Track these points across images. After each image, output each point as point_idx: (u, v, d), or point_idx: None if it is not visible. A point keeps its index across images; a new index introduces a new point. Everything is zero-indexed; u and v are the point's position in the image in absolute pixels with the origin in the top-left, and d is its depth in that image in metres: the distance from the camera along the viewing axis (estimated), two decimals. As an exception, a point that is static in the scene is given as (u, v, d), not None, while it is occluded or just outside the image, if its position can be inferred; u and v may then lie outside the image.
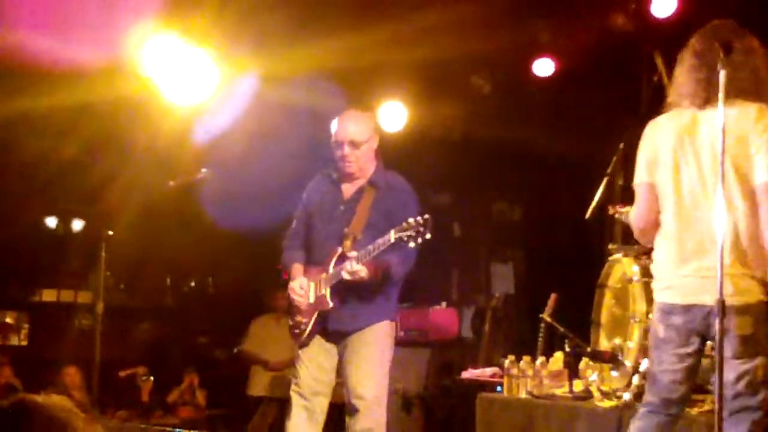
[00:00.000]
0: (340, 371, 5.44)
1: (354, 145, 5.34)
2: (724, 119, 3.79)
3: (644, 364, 5.37)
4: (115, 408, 10.59)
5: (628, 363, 5.53)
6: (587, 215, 6.22)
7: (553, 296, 7.04)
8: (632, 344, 5.53)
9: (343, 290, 5.30)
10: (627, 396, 5.42)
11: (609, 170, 6.25)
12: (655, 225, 4.22)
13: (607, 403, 5.53)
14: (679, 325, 4.04)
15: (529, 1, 7.99)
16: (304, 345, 5.45)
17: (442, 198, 11.09)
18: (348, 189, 5.47)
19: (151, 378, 11.47)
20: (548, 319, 6.87)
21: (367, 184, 5.42)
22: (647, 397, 4.25)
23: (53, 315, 13.53)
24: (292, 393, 5.44)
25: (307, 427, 5.39)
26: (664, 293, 4.14)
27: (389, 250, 5.10)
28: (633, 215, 4.37)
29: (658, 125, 4.22)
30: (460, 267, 10.85)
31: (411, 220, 4.91)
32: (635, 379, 5.40)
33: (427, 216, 4.94)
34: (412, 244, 4.91)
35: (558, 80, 8.70)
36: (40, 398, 1.89)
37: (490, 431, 6.39)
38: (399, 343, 9.66)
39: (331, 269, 5.31)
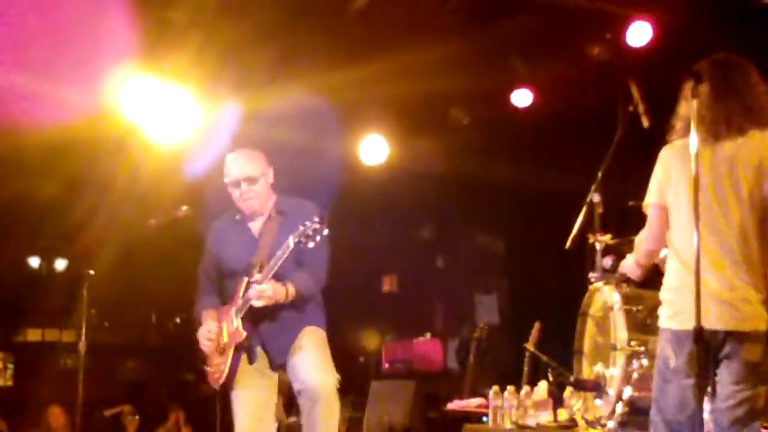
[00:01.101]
0: (289, 376, 5.25)
1: (251, 181, 5.28)
2: (741, 148, 3.90)
3: (627, 392, 5.39)
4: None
5: (612, 391, 5.54)
6: (567, 244, 6.25)
7: (536, 326, 7.06)
8: (615, 372, 5.54)
9: (260, 321, 5.20)
10: (611, 424, 5.43)
11: (588, 199, 6.29)
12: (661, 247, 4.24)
13: (591, 432, 5.54)
14: (691, 351, 3.86)
15: (506, 34, 8.05)
16: (229, 387, 5.28)
17: (424, 231, 11.15)
18: (255, 226, 5.40)
19: (137, 417, 11.43)
20: (532, 349, 6.89)
21: (274, 212, 5.35)
22: (656, 428, 4.17)
23: (38, 354, 13.49)
24: None
25: None
26: (674, 320, 4.05)
27: (296, 267, 5.11)
28: (645, 237, 4.31)
29: (670, 152, 4.19)
30: (443, 298, 10.87)
31: (307, 222, 4.86)
32: (619, 407, 5.41)
33: (324, 213, 4.92)
34: (311, 244, 4.85)
35: (536, 110, 8.76)
36: None
37: (477, 462, 6.40)
38: (384, 375, 9.75)
39: (239, 300, 5.20)
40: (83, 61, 7.02)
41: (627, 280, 5.76)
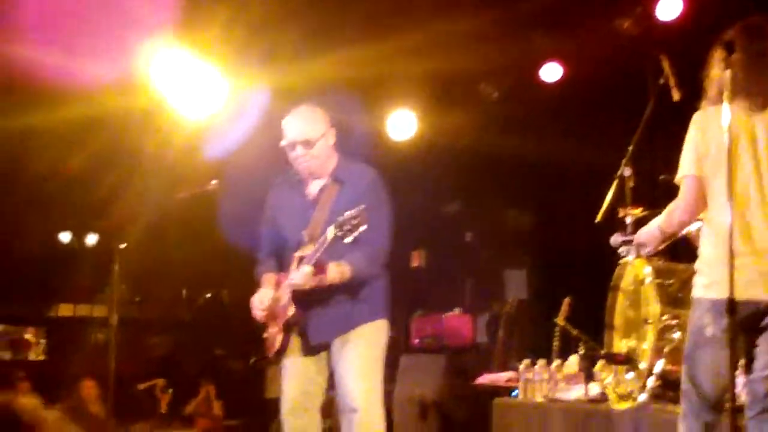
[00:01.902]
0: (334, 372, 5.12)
1: (308, 144, 5.02)
2: None
3: (659, 366, 5.38)
4: (132, 420, 10.62)
5: (643, 365, 5.54)
6: (598, 218, 6.23)
7: (566, 300, 7.06)
8: (646, 346, 5.54)
9: (314, 298, 5.01)
10: (643, 398, 5.42)
11: (618, 173, 6.26)
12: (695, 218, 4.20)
13: (622, 405, 5.53)
14: (729, 321, 3.90)
15: (535, 8, 8.01)
16: (282, 357, 5.13)
17: (453, 206, 11.13)
18: (312, 189, 5.17)
19: (170, 390, 11.51)
20: (562, 323, 6.88)
21: (331, 180, 5.11)
22: (688, 398, 4.15)
23: (70, 329, 13.59)
24: (283, 417, 5.12)
25: None
26: (713, 289, 3.99)
27: (349, 249, 4.80)
28: (680, 208, 4.24)
29: (708, 118, 4.11)
30: (473, 273, 10.86)
31: (347, 213, 4.62)
32: (650, 381, 5.40)
33: (362, 207, 4.62)
34: (348, 239, 4.62)
35: (566, 85, 8.72)
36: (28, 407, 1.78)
37: (507, 436, 6.41)
38: (414, 349, 9.78)
39: (291, 275, 5.00)
40: (113, 33, 7.03)
41: (658, 253, 5.75)
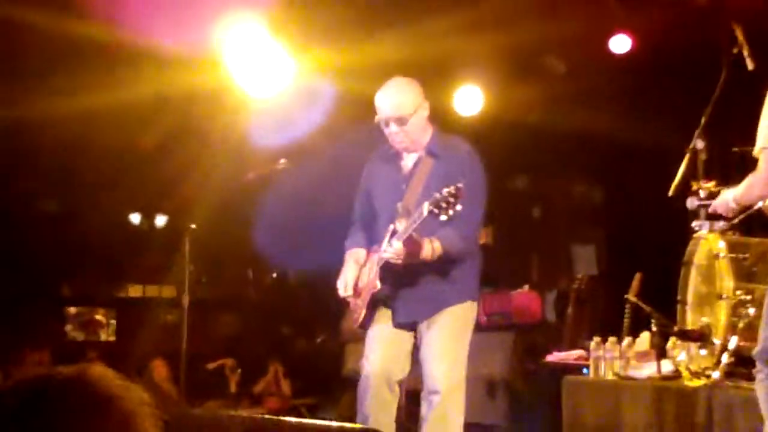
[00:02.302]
0: (418, 359, 5.13)
1: (401, 121, 4.98)
2: None
3: (733, 342, 5.28)
4: (203, 399, 10.73)
5: (717, 341, 5.44)
6: (671, 192, 6.10)
7: (637, 276, 6.94)
8: (720, 322, 5.44)
9: (404, 275, 4.98)
10: (716, 375, 5.33)
11: (691, 146, 6.14)
12: None
13: (696, 383, 5.45)
14: None
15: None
16: (366, 327, 5.14)
17: (520, 181, 11.04)
18: (406, 163, 5.15)
19: (239, 370, 11.61)
20: (633, 299, 6.77)
21: (425, 153, 5.08)
22: (763, 360, 4.07)
23: (139, 310, 13.75)
24: (363, 379, 5.10)
25: (382, 412, 5.06)
26: None
27: (441, 225, 4.72)
28: (758, 180, 4.14)
29: None
30: (540, 250, 10.78)
31: (445, 190, 4.52)
32: (724, 358, 5.31)
33: (460, 185, 4.52)
34: (443, 217, 4.53)
35: (635, 57, 8.58)
36: (68, 372, 1.73)
37: (577, 414, 6.34)
38: (482, 327, 9.66)
39: (383, 248, 4.98)
40: (184, 10, 7.03)
41: (732, 227, 5.65)
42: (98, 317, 14.38)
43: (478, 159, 5.13)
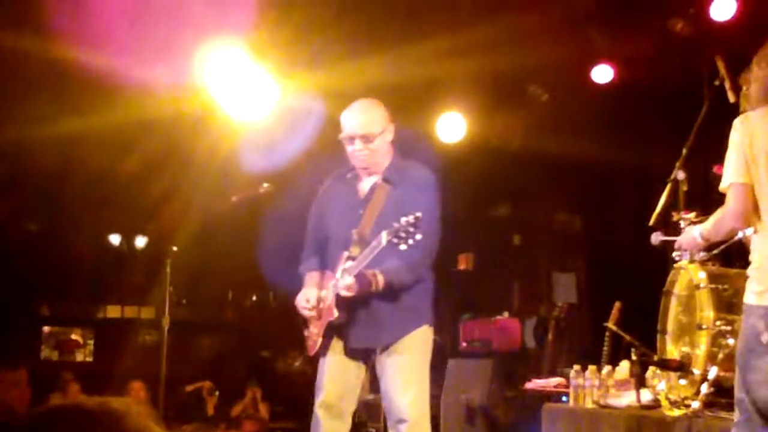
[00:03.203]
0: (379, 388, 5.12)
1: (367, 139, 4.96)
2: None
3: (713, 372, 5.29)
4: (180, 422, 10.67)
5: (697, 371, 5.45)
6: (651, 222, 6.14)
7: (617, 305, 6.96)
8: (700, 352, 5.45)
9: (358, 303, 4.95)
10: (696, 404, 5.33)
11: (672, 176, 6.18)
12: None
13: (675, 412, 5.45)
14: None
15: (586, 8, 7.94)
16: (321, 355, 5.10)
17: (501, 208, 11.08)
18: (363, 187, 5.13)
19: (216, 392, 11.57)
20: (613, 328, 6.79)
21: (381, 180, 5.05)
22: (742, 407, 4.09)
23: (117, 331, 13.71)
24: (317, 409, 5.07)
25: None
26: (766, 296, 3.96)
27: (392, 255, 4.74)
28: (729, 215, 4.18)
29: (750, 123, 4.06)
30: (521, 277, 10.80)
31: (403, 219, 4.54)
32: (704, 388, 5.32)
33: (418, 214, 4.54)
34: (403, 247, 4.55)
35: (617, 87, 8.63)
36: (93, 404, 1.73)
37: (557, 442, 6.34)
38: (462, 354, 9.73)
39: (339, 275, 4.94)
40: (168, 36, 7.05)
41: (712, 258, 5.68)
42: (75, 337, 14.32)
43: (435, 184, 5.09)
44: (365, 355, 5.11)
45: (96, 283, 13.54)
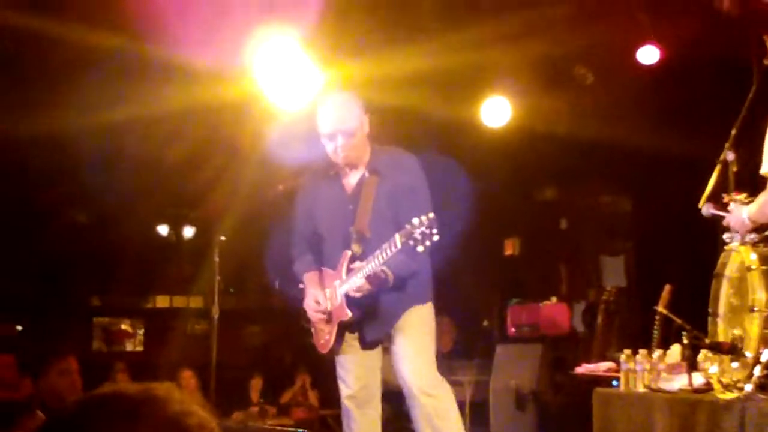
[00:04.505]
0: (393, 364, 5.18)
1: (348, 133, 4.97)
2: None
3: (765, 355, 5.24)
4: (230, 410, 10.76)
5: (749, 354, 5.40)
6: (701, 204, 6.07)
7: (667, 288, 6.90)
8: (752, 334, 5.39)
9: (367, 299, 5.02)
10: (749, 387, 5.28)
11: (721, 157, 6.10)
12: None
13: (728, 396, 5.39)
14: None
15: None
16: (336, 353, 5.20)
17: (548, 192, 11.03)
18: (349, 182, 5.14)
19: (261, 380, 11.65)
20: (664, 311, 6.73)
21: (367, 172, 5.06)
22: None
23: (167, 320, 13.81)
24: (345, 401, 5.20)
25: (371, 430, 5.16)
26: None
27: (393, 230, 4.77)
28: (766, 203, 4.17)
29: None
30: (568, 261, 10.76)
31: (415, 220, 4.53)
32: (757, 370, 5.26)
33: (431, 214, 4.55)
34: (420, 248, 4.54)
35: (664, 68, 8.54)
36: (136, 390, 1.75)
37: (608, 427, 6.30)
38: (510, 339, 9.71)
39: (344, 275, 4.99)
40: (215, 23, 7.06)
41: (764, 239, 5.61)
42: (125, 327, 14.45)
43: (419, 165, 5.09)
44: (378, 344, 5.23)
45: (145, 273, 13.64)
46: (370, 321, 5.11)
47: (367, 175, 5.07)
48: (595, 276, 10.34)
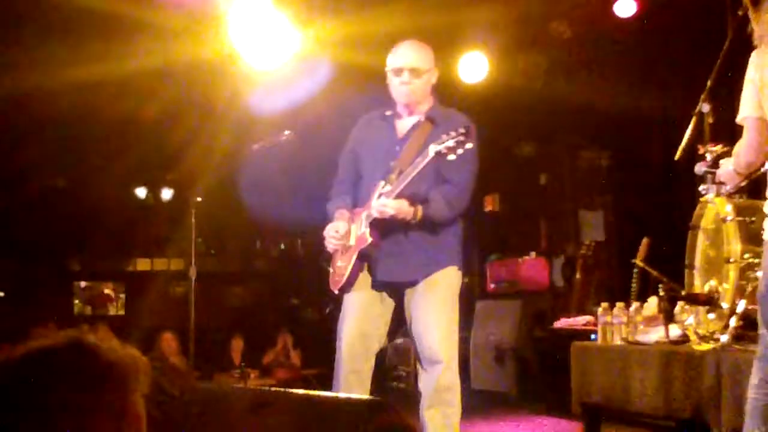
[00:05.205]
0: (408, 328, 5.01)
1: (415, 73, 4.97)
2: None
3: (741, 306, 5.26)
4: (212, 371, 10.78)
5: (725, 305, 5.42)
6: (677, 156, 6.08)
7: (644, 241, 6.92)
8: (728, 286, 5.42)
9: (390, 234, 4.91)
10: (724, 338, 5.31)
11: (697, 109, 6.10)
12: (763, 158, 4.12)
13: (704, 347, 5.43)
14: None
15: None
16: (345, 291, 5.04)
17: (526, 148, 11.01)
18: (403, 126, 5.10)
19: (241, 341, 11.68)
20: (641, 264, 6.75)
21: (424, 118, 5.03)
22: (763, 342, 4.08)
23: (148, 283, 13.80)
24: (339, 348, 4.98)
25: (357, 387, 4.93)
26: None
27: (434, 186, 4.79)
28: (743, 149, 4.18)
29: (761, 57, 4.04)
30: (547, 216, 10.76)
31: (451, 131, 4.55)
32: (732, 321, 5.29)
33: (468, 125, 4.58)
34: (452, 156, 4.52)
35: (641, 20, 8.51)
36: (101, 343, 1.78)
37: (586, 379, 6.34)
38: (490, 295, 9.75)
39: (371, 204, 4.90)
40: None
41: (739, 190, 5.63)
42: (107, 291, 14.45)
43: (475, 133, 4.95)
44: (392, 293, 5.06)
45: (124, 236, 13.62)
46: (387, 260, 4.97)
47: (422, 119, 5.05)
48: (573, 231, 10.35)
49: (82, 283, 14.50)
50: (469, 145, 4.54)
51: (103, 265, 14.38)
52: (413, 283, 4.97)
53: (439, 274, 4.97)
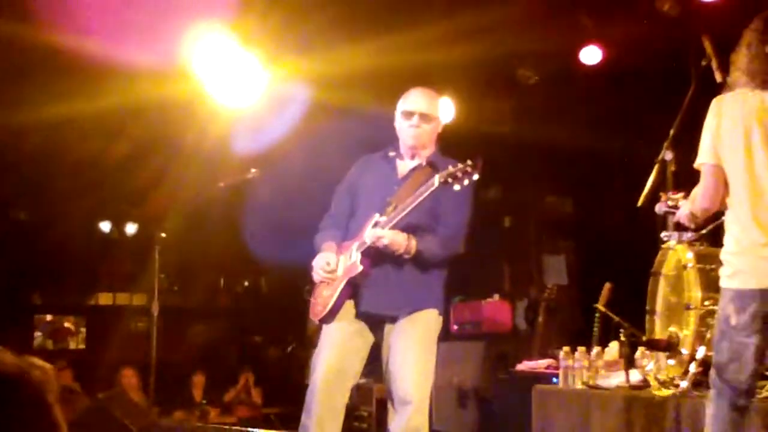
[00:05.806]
0: (384, 366, 4.95)
1: (426, 118, 5.09)
2: None
3: (701, 352, 5.32)
4: (172, 409, 10.69)
5: (685, 351, 5.48)
6: (640, 202, 6.15)
7: (607, 286, 6.96)
8: (688, 332, 5.48)
9: (378, 265, 4.92)
10: (684, 384, 5.37)
11: (660, 156, 6.19)
12: (720, 206, 4.18)
13: (664, 392, 5.48)
14: (754, 311, 3.91)
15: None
16: (326, 321, 5.01)
17: (492, 192, 11.06)
18: (404, 167, 5.16)
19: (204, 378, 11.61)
20: (603, 309, 6.79)
21: (426, 163, 5.10)
22: (715, 386, 4.13)
23: (109, 318, 13.70)
24: (313, 381, 4.91)
25: (330, 422, 4.90)
26: (736, 279, 4.02)
27: (428, 225, 4.84)
28: (699, 194, 4.24)
29: (724, 105, 4.09)
30: (511, 259, 10.79)
31: (459, 164, 4.61)
32: (692, 368, 5.35)
33: (478, 159, 4.65)
34: (457, 187, 4.57)
35: (606, 68, 8.63)
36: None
37: (547, 423, 6.36)
38: (452, 336, 9.74)
39: (363, 235, 4.92)
40: (156, 20, 7.02)
41: (700, 238, 5.70)
42: (68, 325, 14.31)
43: (473, 183, 5.05)
44: (372, 327, 5.03)
45: (87, 270, 13.53)
46: (372, 291, 4.96)
47: (423, 163, 5.11)
48: (537, 274, 10.40)
49: (43, 317, 14.36)
50: (475, 177, 4.61)
51: (65, 299, 14.25)
52: (394, 319, 4.95)
53: (421, 314, 4.96)
